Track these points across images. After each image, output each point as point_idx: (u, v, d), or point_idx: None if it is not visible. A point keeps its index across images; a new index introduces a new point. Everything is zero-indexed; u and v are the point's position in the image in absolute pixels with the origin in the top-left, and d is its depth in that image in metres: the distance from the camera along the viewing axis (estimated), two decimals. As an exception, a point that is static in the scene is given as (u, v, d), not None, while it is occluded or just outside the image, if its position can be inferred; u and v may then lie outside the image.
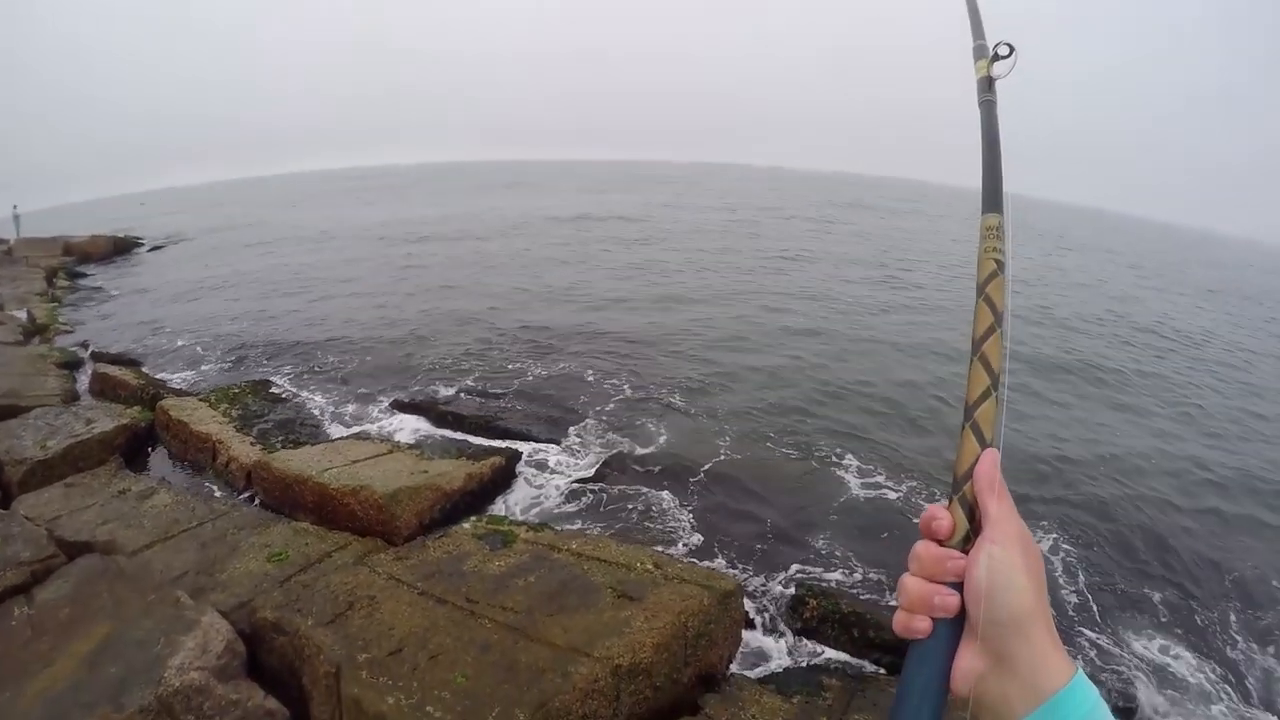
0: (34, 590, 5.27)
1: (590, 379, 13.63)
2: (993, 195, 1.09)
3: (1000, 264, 1.01)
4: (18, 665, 4.44)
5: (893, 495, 9.52)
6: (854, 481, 9.79)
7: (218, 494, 8.44)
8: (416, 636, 4.93)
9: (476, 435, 10.71)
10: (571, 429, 11.23)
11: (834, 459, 10.47)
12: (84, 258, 35.55)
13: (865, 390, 13.65)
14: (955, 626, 0.89)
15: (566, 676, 4.47)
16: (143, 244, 41.47)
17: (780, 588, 7.27)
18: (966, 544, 0.91)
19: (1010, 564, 0.86)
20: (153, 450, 10.16)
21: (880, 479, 9.92)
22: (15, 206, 45.80)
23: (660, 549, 7.20)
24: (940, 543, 0.93)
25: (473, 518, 7.42)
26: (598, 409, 12.08)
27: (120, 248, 39.20)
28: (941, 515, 0.93)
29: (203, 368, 15.16)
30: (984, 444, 0.93)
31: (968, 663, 0.88)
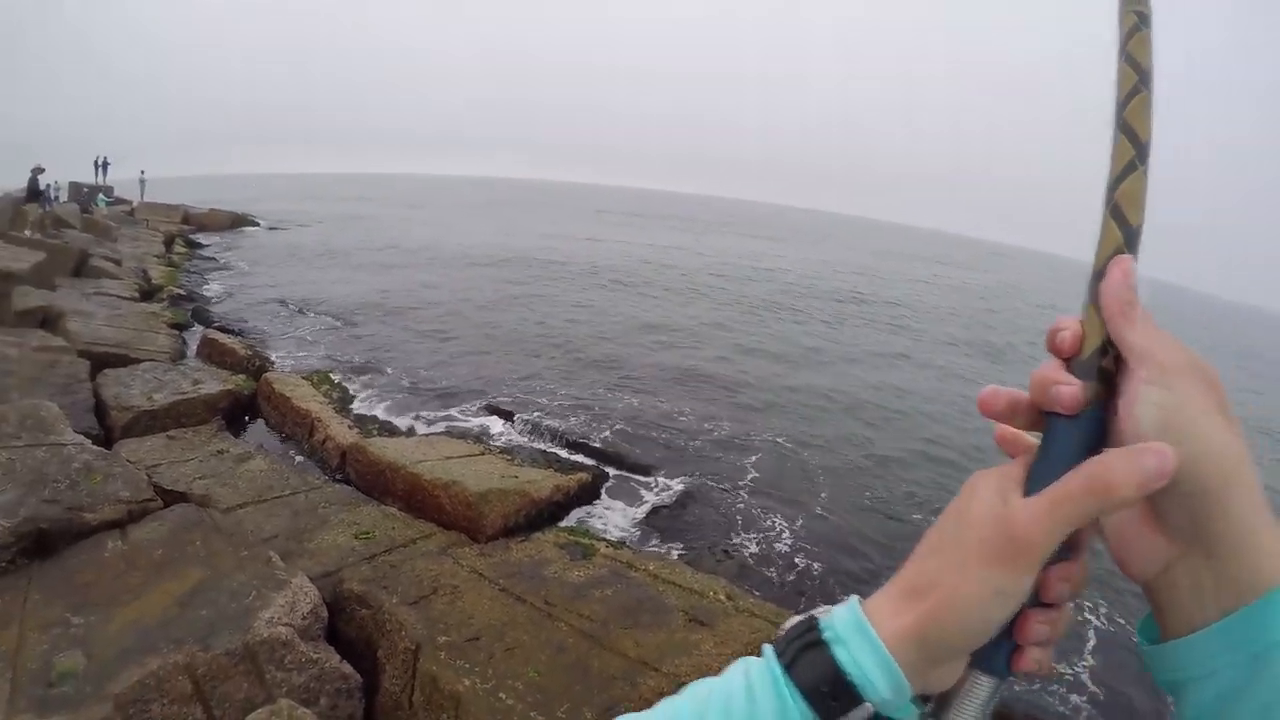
0: (129, 527, 5.35)
1: (689, 416, 13.59)
2: None
3: (1143, 16, 0.78)
4: (108, 593, 4.49)
5: None
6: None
7: (312, 468, 8.51)
8: (494, 628, 4.92)
9: (566, 450, 10.73)
10: (659, 457, 11.19)
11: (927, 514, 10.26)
12: (201, 228, 36.78)
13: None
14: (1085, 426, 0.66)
15: (634, 686, 4.48)
16: (259, 223, 42.72)
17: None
18: (1106, 368, 0.68)
19: (1186, 404, 0.61)
20: (252, 419, 10.35)
21: None
22: (142, 172, 47.73)
23: (732, 582, 7.13)
24: (1066, 363, 0.69)
25: (554, 527, 7.46)
26: (690, 443, 12.03)
27: (237, 223, 40.50)
28: (1067, 325, 0.69)
29: (308, 348, 15.51)
30: (1127, 231, 0.70)
31: (1144, 546, 0.66)
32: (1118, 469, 0.59)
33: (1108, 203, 0.72)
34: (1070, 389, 0.65)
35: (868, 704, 0.63)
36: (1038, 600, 0.65)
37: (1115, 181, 0.72)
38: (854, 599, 0.70)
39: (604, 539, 7.30)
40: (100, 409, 8.60)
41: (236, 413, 10.01)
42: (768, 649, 0.70)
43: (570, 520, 8.55)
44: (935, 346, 24.21)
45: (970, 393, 17.41)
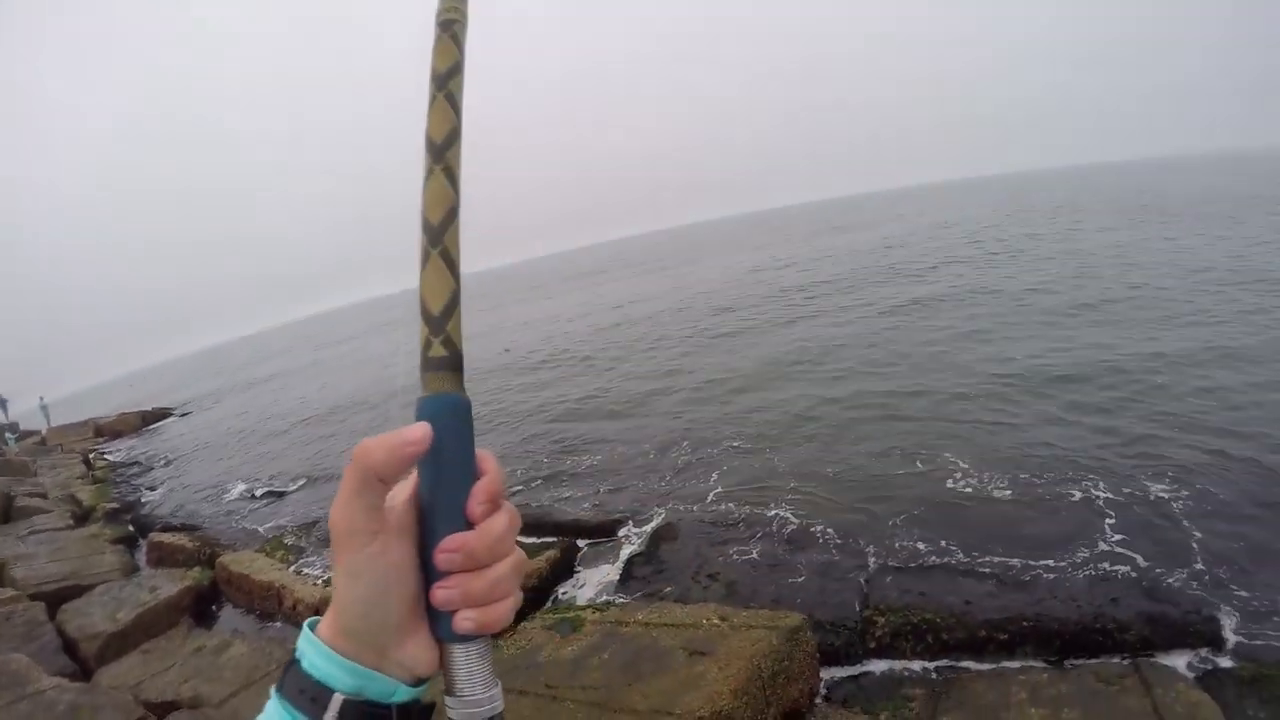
0: (132, 754, 5.42)
1: (639, 456, 13.81)
2: None
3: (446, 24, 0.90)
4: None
5: (953, 490, 9.86)
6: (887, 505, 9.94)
7: (291, 635, 8.53)
8: None
9: (529, 533, 10.81)
10: (624, 506, 11.38)
11: (876, 484, 10.66)
12: (115, 435, 36.21)
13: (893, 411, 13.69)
14: None
15: None
16: (171, 411, 42.17)
17: (849, 612, 7.25)
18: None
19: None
20: (219, 607, 10.31)
21: (935, 482, 10.23)
22: (42, 398, 46.88)
23: (723, 603, 7.32)
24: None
25: (539, 612, 7.57)
26: (646, 483, 12.24)
27: (149, 419, 39.90)
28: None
29: (252, 519, 15.44)
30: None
31: None
32: (375, 441, 0.73)
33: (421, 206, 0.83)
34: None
35: (336, 693, 0.74)
36: (439, 573, 0.76)
37: (423, 187, 0.83)
38: (306, 623, 0.80)
39: (590, 605, 7.44)
40: (69, 645, 8.53)
41: (202, 606, 10.00)
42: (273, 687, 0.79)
43: (554, 598, 8.71)
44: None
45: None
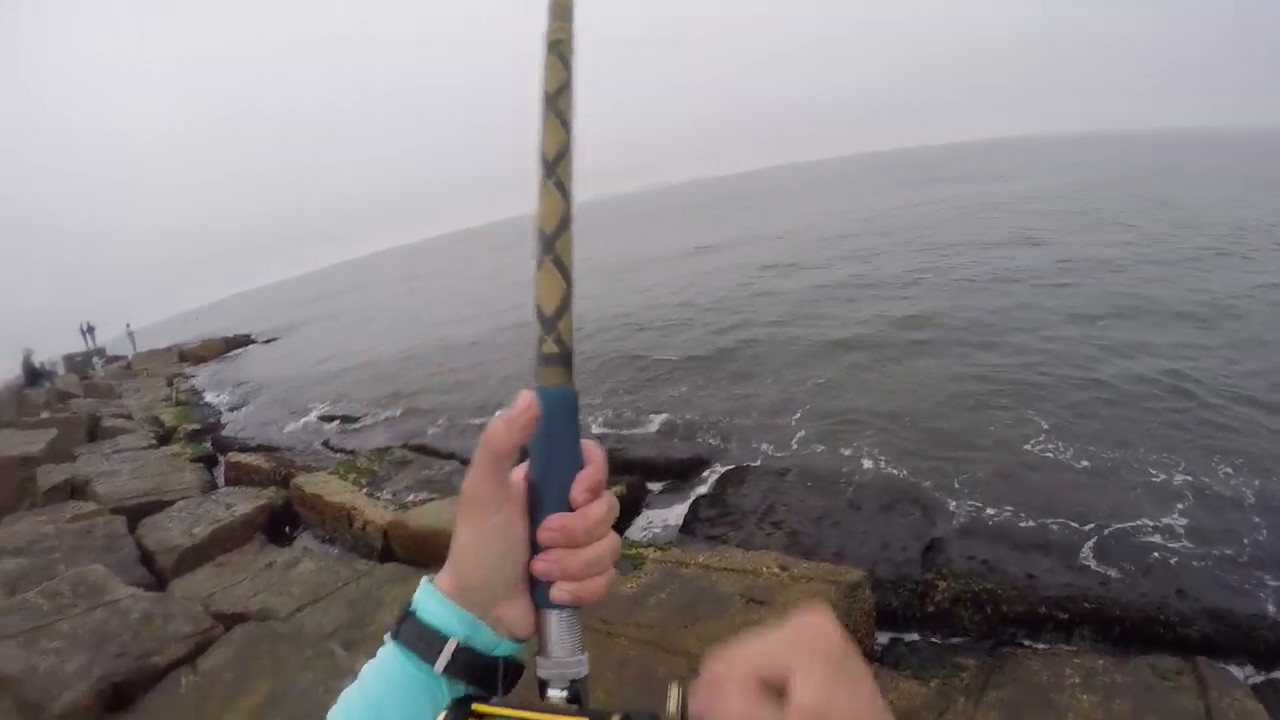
0: (197, 660, 5.53)
1: (711, 401, 13.72)
2: None
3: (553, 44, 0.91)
4: (190, 727, 4.67)
5: (1027, 474, 9.38)
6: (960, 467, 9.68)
7: (358, 556, 8.65)
8: None
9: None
10: (695, 448, 11.34)
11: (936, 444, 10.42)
12: (199, 360, 37.17)
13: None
14: None
15: None
16: (253, 339, 43.14)
17: (910, 573, 7.13)
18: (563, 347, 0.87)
19: None
20: (293, 527, 10.53)
21: (1012, 458, 9.81)
22: (128, 325, 48.32)
23: (784, 552, 7.13)
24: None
25: None
26: (719, 427, 12.17)
27: (232, 346, 40.92)
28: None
29: (328, 443, 15.71)
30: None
31: None
32: (494, 421, 0.81)
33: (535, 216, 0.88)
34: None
35: (451, 638, 0.80)
36: (539, 547, 0.83)
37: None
38: (425, 578, 0.87)
39: (653, 544, 7.37)
40: (147, 557, 8.78)
41: (276, 524, 10.20)
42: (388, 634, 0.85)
43: (630, 533, 8.71)
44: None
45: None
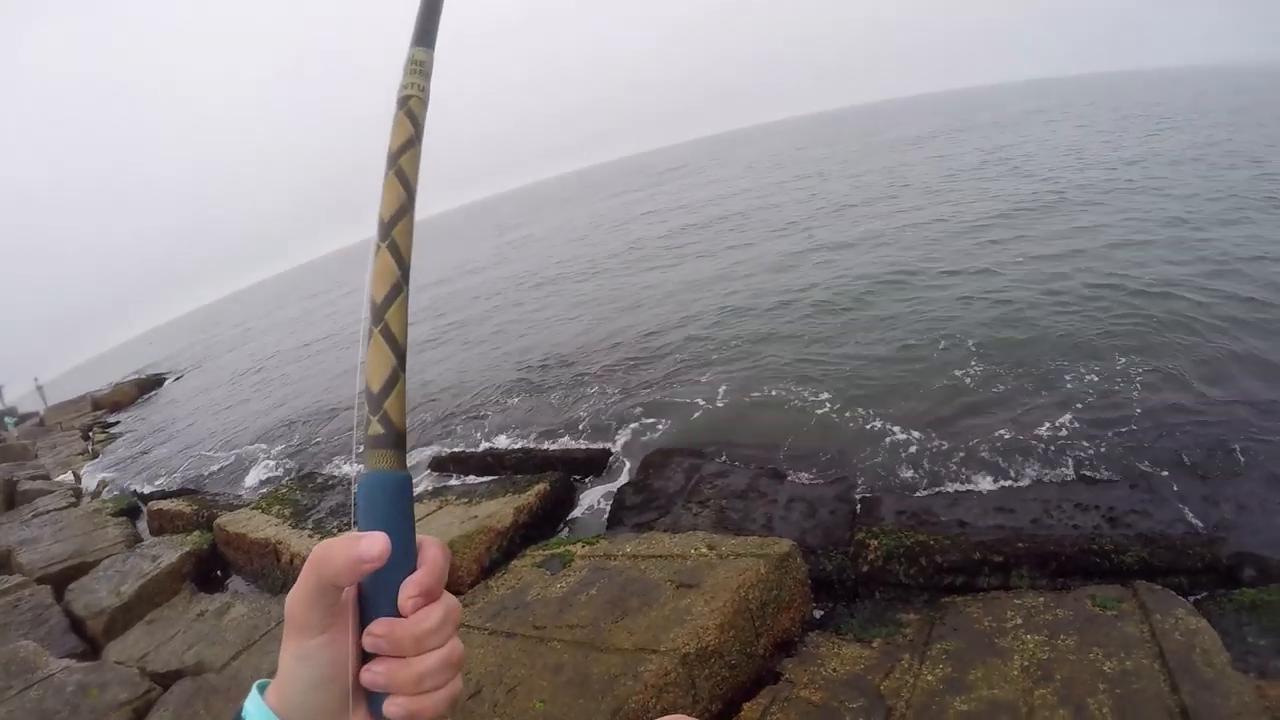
0: (139, 726, 5.61)
1: (608, 385, 13.84)
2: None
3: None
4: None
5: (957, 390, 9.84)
6: (878, 424, 9.89)
7: (283, 596, 8.66)
8: (492, 674, 5.08)
9: (520, 471, 10.87)
10: (613, 433, 11.46)
11: (853, 403, 10.63)
12: (113, 407, 36.29)
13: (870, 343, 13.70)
14: None
15: (638, 677, 4.57)
16: (165, 377, 42.20)
17: (840, 535, 7.22)
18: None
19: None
20: (222, 570, 10.49)
21: (904, 413, 10.10)
22: (36, 379, 46.92)
23: (712, 531, 7.22)
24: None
25: (529, 548, 7.54)
26: (630, 408, 12.29)
27: (145, 388, 39.95)
28: None
29: (249, 477, 15.60)
30: (404, 268, 0.86)
31: None
32: (333, 549, 0.76)
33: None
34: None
35: None
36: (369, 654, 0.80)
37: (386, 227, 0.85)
38: (256, 685, 0.86)
39: (580, 540, 7.38)
40: (77, 624, 8.71)
41: (204, 570, 10.16)
42: None
43: (545, 533, 8.79)
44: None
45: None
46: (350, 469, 12.72)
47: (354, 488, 0.81)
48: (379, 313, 0.83)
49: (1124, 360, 9.82)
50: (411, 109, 0.89)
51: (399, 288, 0.84)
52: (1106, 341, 10.46)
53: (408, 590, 0.78)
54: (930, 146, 47.38)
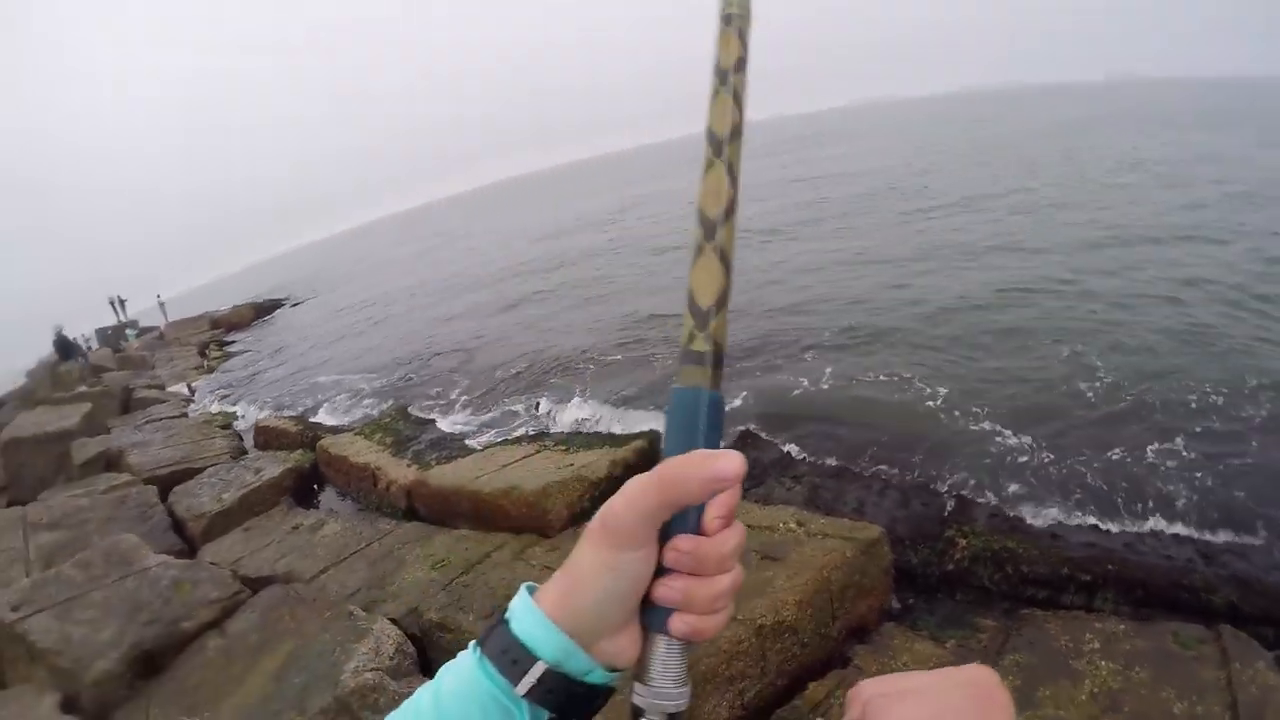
0: (225, 623, 5.72)
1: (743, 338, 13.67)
2: None
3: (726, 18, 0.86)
4: (215, 690, 4.84)
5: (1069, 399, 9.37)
6: (987, 425, 9.44)
7: (382, 516, 8.81)
8: None
9: (621, 424, 10.87)
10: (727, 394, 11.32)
11: (966, 399, 10.17)
12: (230, 327, 37.55)
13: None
14: None
15: (712, 640, 4.47)
16: (283, 302, 43.45)
17: (930, 529, 6.96)
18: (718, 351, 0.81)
19: None
20: (319, 488, 10.76)
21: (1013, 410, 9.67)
22: (159, 296, 48.73)
23: (803, 508, 6.97)
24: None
25: None
26: (735, 378, 12.11)
27: (262, 312, 41.23)
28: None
29: (355, 403, 15.95)
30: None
31: None
32: (689, 469, 0.73)
33: (697, 199, 0.84)
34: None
35: (540, 661, 0.74)
36: (663, 570, 0.77)
37: (702, 179, 0.83)
38: (524, 586, 0.82)
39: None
40: (178, 525, 9.06)
41: (303, 487, 10.44)
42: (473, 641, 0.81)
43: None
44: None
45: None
46: (442, 419, 12.92)
47: (671, 399, 0.80)
48: (711, 228, 0.81)
49: (1260, 398, 9.13)
50: (740, 28, 0.85)
51: (732, 208, 0.82)
52: (1251, 376, 9.76)
53: (714, 510, 0.76)
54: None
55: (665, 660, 0.76)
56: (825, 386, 11.26)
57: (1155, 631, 4.70)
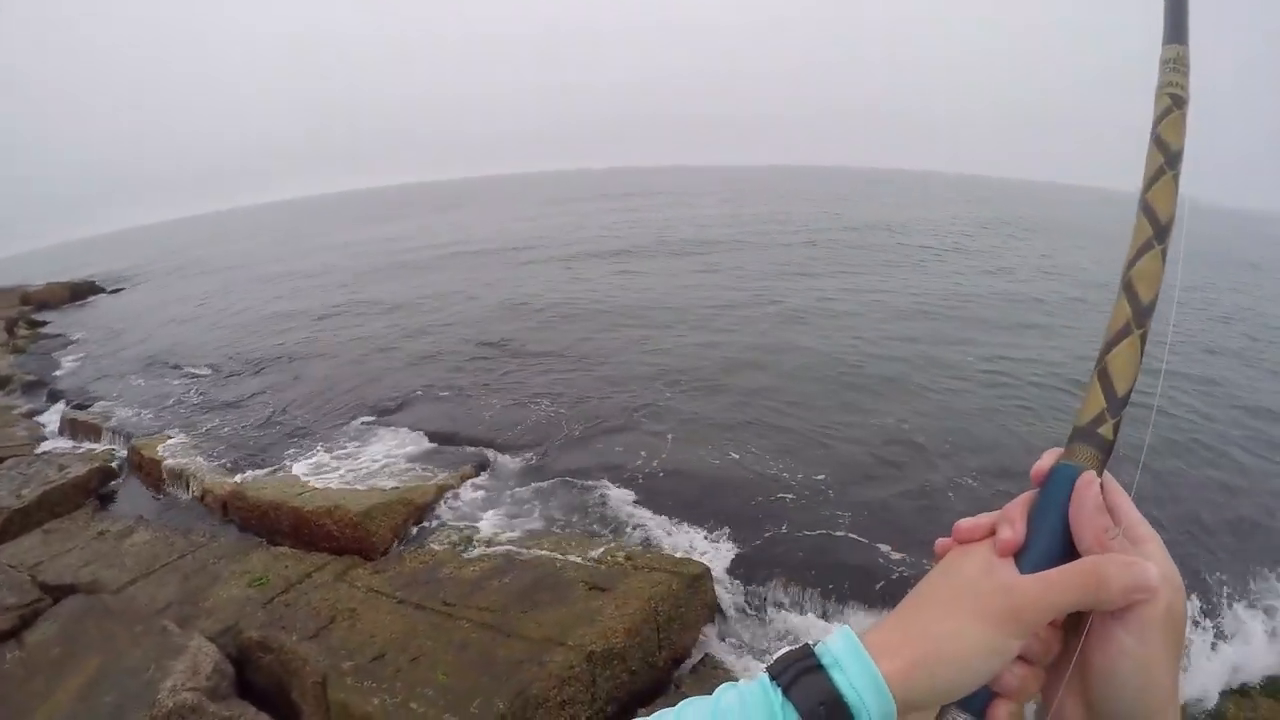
0: (23, 634, 5.48)
1: (561, 389, 13.75)
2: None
3: (1177, 99, 0.85)
4: (15, 706, 4.67)
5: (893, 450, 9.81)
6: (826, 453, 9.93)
7: (196, 526, 8.52)
8: (397, 642, 5.15)
9: (448, 446, 10.81)
10: (543, 431, 11.38)
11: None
12: (42, 305, 35.34)
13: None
14: None
15: (542, 665, 4.70)
16: (102, 288, 41.26)
17: (755, 564, 7.24)
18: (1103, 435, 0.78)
19: (1152, 662, 0.70)
20: (128, 490, 10.22)
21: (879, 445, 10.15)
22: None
23: (632, 541, 7.36)
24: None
25: (446, 527, 7.62)
26: (569, 412, 12.21)
27: (78, 293, 38.97)
28: (1011, 521, 0.78)
29: (172, 404, 15.21)
30: (1137, 306, 0.79)
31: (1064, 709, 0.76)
32: (1113, 573, 0.70)
33: (1123, 279, 0.81)
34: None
35: None
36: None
37: (1132, 259, 0.81)
38: (846, 628, 0.75)
39: (496, 528, 7.51)
40: (-31, 521, 8.48)
41: (110, 488, 9.95)
42: (763, 674, 0.74)
43: (465, 516, 8.73)
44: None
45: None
46: (266, 429, 12.56)
47: (1049, 475, 0.79)
48: (1142, 314, 0.79)
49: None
50: (1186, 112, 0.84)
51: (1157, 298, 0.80)
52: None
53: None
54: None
55: None
56: (637, 439, 11.47)
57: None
